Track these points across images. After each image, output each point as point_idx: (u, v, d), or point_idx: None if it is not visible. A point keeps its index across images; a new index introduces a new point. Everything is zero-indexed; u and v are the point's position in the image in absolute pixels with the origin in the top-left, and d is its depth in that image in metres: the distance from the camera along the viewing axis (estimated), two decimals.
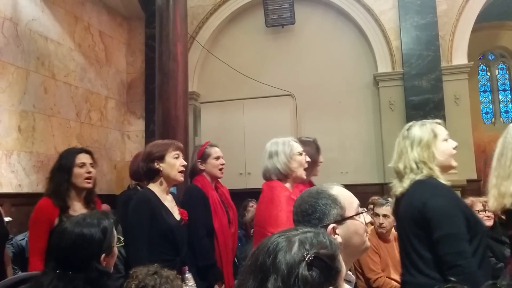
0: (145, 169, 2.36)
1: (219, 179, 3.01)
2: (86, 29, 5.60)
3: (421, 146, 1.92)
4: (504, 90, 8.02)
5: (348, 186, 1.38)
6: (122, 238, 2.02)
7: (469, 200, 3.32)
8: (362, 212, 1.31)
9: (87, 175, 2.40)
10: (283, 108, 5.69)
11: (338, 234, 1.25)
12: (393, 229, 3.40)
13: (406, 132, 2.00)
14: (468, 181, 4.95)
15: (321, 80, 5.84)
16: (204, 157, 2.91)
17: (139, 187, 3.12)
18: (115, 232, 1.70)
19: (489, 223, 3.03)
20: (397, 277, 2.92)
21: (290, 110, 5.72)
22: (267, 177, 2.30)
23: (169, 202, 2.39)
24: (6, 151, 4.21)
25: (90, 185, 2.44)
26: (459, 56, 5.42)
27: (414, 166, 1.90)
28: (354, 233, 1.28)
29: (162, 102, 4.20)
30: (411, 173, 1.91)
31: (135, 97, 6.32)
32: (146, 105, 6.11)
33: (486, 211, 3.05)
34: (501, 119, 7.92)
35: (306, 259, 0.83)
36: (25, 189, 4.36)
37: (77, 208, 2.40)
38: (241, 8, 6.14)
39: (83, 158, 2.44)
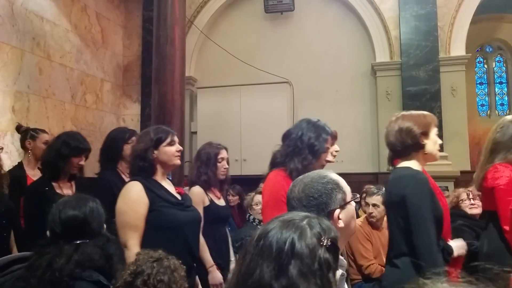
0: (407, 144, 2.06)
1: None
2: (83, 10, 5.52)
3: None
4: (501, 83, 8.02)
5: (343, 175, 1.39)
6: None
7: (455, 192, 3.35)
8: (356, 198, 1.34)
9: None
10: (280, 95, 5.68)
11: (341, 219, 1.26)
12: (385, 218, 3.41)
13: None
14: (461, 172, 4.99)
15: (319, 68, 5.82)
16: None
17: None
18: None
19: (475, 211, 3.04)
20: None
21: (287, 98, 5.71)
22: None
23: None
24: (0, 132, 4.18)
25: None
26: (457, 48, 5.41)
27: None
28: (351, 218, 1.30)
29: (158, 86, 4.17)
30: None
31: (131, 81, 6.26)
32: (142, 88, 6.07)
33: (471, 200, 3.08)
34: (497, 111, 7.94)
35: (324, 243, 0.89)
36: None
37: None
38: None
39: None
